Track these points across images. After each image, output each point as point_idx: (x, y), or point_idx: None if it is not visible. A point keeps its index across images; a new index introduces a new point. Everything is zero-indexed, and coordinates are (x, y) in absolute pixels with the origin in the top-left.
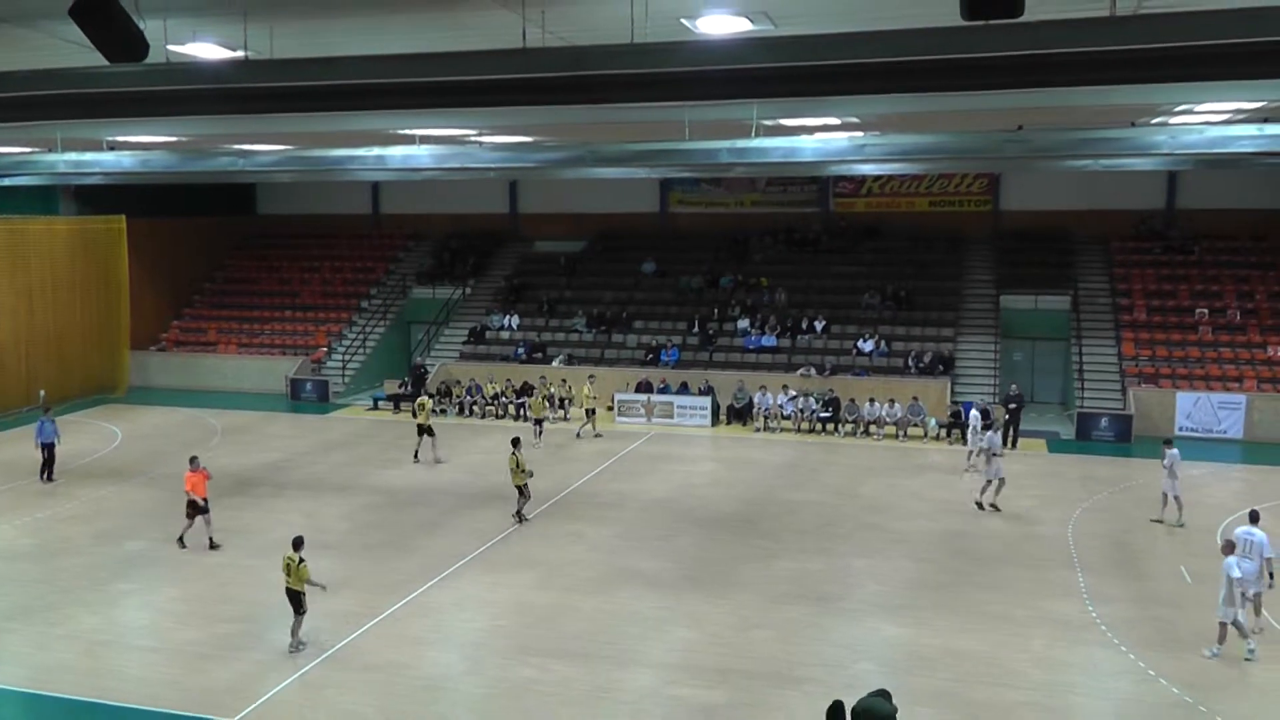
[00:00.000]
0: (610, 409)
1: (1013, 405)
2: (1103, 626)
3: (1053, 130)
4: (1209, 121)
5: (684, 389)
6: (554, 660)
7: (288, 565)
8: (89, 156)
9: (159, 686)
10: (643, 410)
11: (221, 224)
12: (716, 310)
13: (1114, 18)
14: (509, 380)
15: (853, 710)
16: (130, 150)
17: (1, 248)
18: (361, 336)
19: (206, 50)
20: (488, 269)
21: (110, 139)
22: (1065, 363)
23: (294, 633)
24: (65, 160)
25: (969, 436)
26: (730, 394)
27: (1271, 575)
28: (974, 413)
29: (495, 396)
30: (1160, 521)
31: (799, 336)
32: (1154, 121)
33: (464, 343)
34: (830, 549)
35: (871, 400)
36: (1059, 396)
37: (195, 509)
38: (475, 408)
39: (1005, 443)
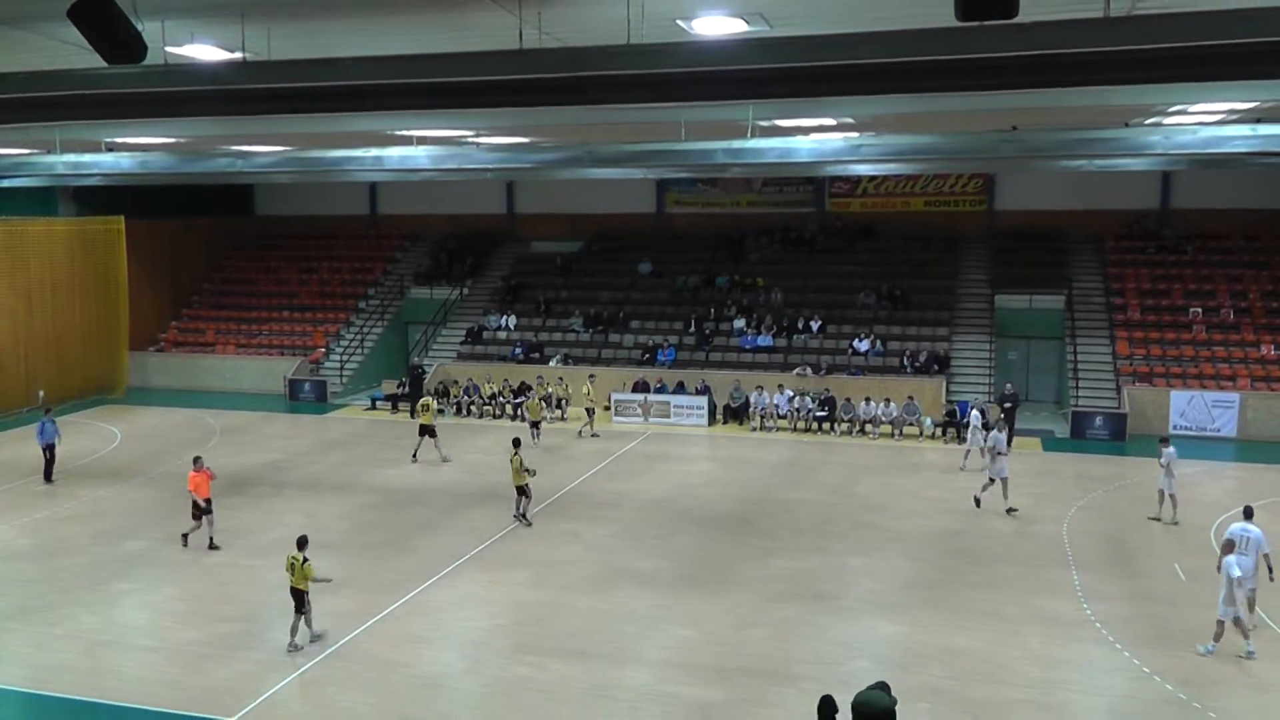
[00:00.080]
0: (607, 409)
1: (1008, 404)
2: (1098, 624)
3: (1047, 130)
4: (1203, 122)
5: (680, 389)
6: (552, 659)
7: (292, 565)
8: (88, 158)
9: (158, 686)
10: (639, 410)
11: (220, 225)
12: (713, 310)
13: (1108, 19)
14: (506, 380)
15: (852, 703)
16: (129, 151)
17: (1, 249)
18: (359, 337)
19: (204, 52)
20: (485, 269)
21: (109, 140)
22: (1060, 362)
23: (293, 632)
24: (64, 161)
25: (969, 436)
26: (727, 393)
27: (1270, 569)
28: (974, 413)
29: (493, 396)
30: (1157, 519)
31: (795, 336)
32: (1148, 122)
33: (461, 343)
34: (826, 547)
35: (867, 399)
36: (1054, 395)
37: (199, 510)
38: (473, 408)
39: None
